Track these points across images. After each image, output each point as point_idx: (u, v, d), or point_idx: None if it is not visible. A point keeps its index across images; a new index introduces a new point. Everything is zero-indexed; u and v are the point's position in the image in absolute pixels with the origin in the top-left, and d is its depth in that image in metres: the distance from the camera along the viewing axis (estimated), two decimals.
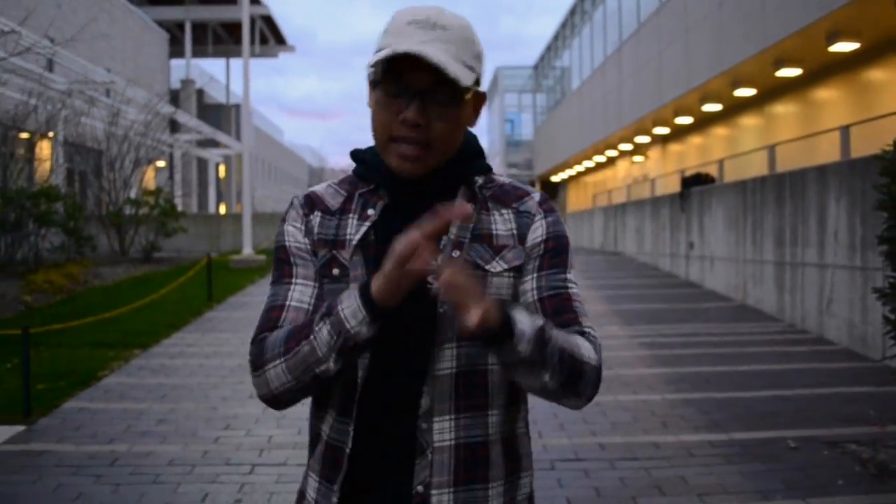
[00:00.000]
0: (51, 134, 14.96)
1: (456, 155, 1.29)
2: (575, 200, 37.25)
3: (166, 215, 16.29)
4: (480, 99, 1.30)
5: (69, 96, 15.91)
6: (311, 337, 1.17)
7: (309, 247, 1.29)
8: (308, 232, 1.30)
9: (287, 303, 1.26)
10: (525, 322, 1.14)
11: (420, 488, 1.22)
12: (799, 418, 5.05)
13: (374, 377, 1.24)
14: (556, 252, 1.29)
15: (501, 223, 1.29)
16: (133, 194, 16.80)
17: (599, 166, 31.71)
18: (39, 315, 8.89)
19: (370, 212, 1.29)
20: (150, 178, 18.47)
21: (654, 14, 19.30)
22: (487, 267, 1.25)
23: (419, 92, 1.20)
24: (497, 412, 1.25)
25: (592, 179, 33.56)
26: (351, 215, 1.30)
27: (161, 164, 24.23)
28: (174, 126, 26.44)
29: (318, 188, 1.36)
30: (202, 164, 33.52)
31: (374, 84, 1.25)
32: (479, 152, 1.36)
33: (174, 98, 29.98)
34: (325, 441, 1.28)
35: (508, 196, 1.31)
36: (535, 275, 1.27)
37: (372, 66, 1.23)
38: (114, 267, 14.21)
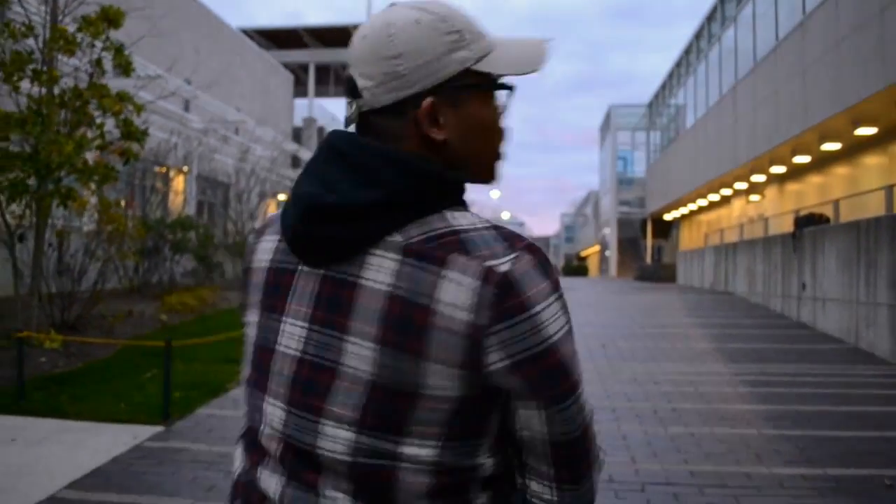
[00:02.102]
0: (185, 168, 16.24)
1: None
2: (688, 239, 36.54)
3: None
4: None
5: (205, 135, 17.25)
6: None
7: None
8: None
9: None
10: None
11: None
12: None
13: None
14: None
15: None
16: (258, 225, 17.95)
17: (713, 205, 31.07)
18: (174, 332, 9.73)
19: None
20: (273, 210, 19.62)
21: (770, 52, 19.05)
22: None
23: (507, 103, 1.13)
24: None
25: (706, 218, 32.90)
26: None
27: (283, 197, 25.63)
28: (296, 162, 27.96)
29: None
30: None
31: (486, 89, 1.08)
32: None
33: (297, 135, 31.71)
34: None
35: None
36: None
37: (497, 81, 1.09)
38: (239, 292, 15.21)
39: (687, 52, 30.57)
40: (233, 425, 5.72)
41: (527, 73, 1.07)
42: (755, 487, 4.42)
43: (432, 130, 1.03)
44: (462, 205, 1.04)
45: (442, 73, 1.02)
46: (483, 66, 1.05)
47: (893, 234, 8.61)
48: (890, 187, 10.23)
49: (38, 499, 4.12)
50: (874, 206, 11.39)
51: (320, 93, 37.49)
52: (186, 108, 18.62)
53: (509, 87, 1.10)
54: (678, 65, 32.61)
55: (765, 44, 19.59)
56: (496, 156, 1.11)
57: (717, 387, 7.18)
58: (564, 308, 1.01)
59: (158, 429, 5.60)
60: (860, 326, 9.54)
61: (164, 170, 15.39)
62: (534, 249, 0.98)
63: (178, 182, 16.90)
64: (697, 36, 28.44)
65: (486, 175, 1.11)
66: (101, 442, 5.23)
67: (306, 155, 26.90)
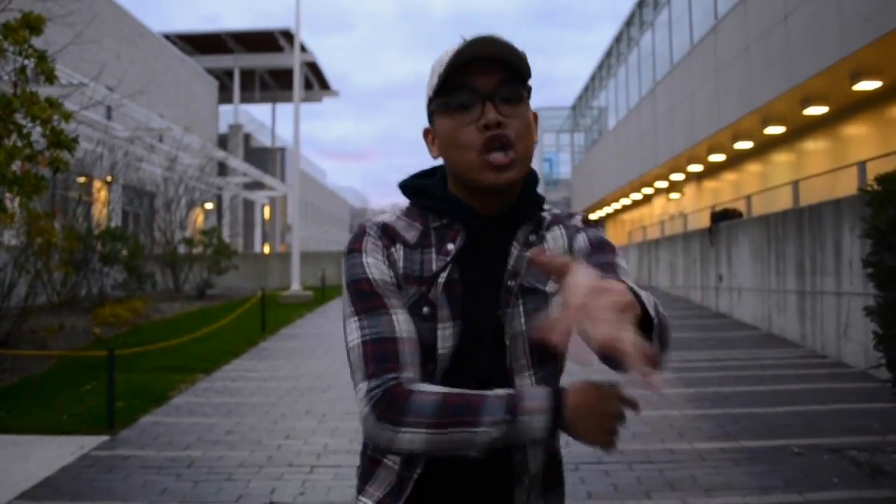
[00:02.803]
0: (109, 178, 15.96)
1: (527, 185, 1.31)
2: (613, 237, 37.41)
3: (219, 254, 17.18)
4: (535, 119, 1.29)
5: (131, 143, 17.00)
6: (474, 429, 1.09)
7: (394, 280, 1.23)
8: (392, 265, 1.24)
9: (398, 335, 1.18)
10: (649, 301, 1.11)
11: None
12: (807, 430, 5.48)
13: None
14: (601, 246, 1.28)
15: (552, 242, 1.30)
16: (187, 234, 17.77)
17: (636, 204, 32.11)
18: (108, 345, 9.65)
19: (450, 247, 1.24)
20: (199, 220, 19.45)
21: (686, 56, 19.90)
22: (545, 289, 1.24)
23: (490, 93, 1.20)
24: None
25: (629, 217, 33.95)
26: (432, 250, 1.25)
27: (209, 205, 25.33)
28: (222, 169, 27.63)
29: (387, 219, 1.29)
30: (248, 206, 34.74)
31: (440, 108, 1.24)
32: (537, 181, 1.37)
33: (222, 142, 31.36)
34: (389, 467, 1.25)
35: (559, 218, 1.34)
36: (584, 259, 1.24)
37: (435, 93, 1.24)
38: (170, 303, 15.07)
39: (608, 55, 31.52)
40: (179, 432, 5.82)
41: (443, 75, 1.21)
42: (678, 461, 4.80)
43: (431, 151, 1.31)
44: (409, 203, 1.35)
45: (428, 106, 1.29)
46: (433, 90, 1.25)
47: (799, 226, 9.24)
48: (796, 182, 10.93)
49: None
50: (783, 201, 12.12)
51: (246, 99, 37.11)
52: (109, 115, 18.30)
53: (444, 98, 1.23)
54: (600, 67, 33.57)
55: (681, 47, 20.46)
56: (466, 164, 1.22)
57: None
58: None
59: (104, 438, 5.64)
60: (772, 313, 10.18)
61: (86, 180, 15.11)
62: None
63: (103, 192, 16.59)
64: (617, 40, 29.37)
65: (470, 181, 1.24)
66: (47, 453, 5.25)
67: (234, 162, 26.66)
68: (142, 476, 4.77)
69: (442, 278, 1.22)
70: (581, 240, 1.29)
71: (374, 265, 1.23)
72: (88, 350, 8.84)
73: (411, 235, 1.26)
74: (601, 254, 1.25)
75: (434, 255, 1.24)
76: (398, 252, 1.25)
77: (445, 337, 1.21)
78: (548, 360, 1.24)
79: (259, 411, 6.46)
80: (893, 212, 4.16)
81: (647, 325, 1.04)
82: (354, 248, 1.25)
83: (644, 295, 1.09)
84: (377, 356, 1.17)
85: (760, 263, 10.62)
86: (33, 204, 8.75)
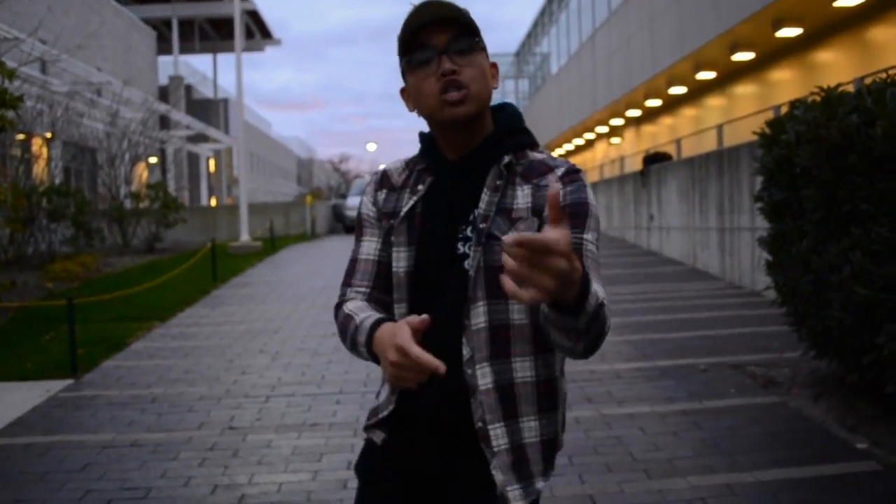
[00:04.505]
0: (48, 135, 15.80)
1: (496, 133, 1.49)
2: None
3: (167, 207, 17.25)
4: (496, 67, 1.51)
5: (71, 99, 16.80)
6: (358, 347, 1.43)
7: (375, 214, 1.55)
8: (375, 203, 1.56)
9: (358, 256, 1.55)
10: (596, 295, 1.18)
11: (479, 424, 1.42)
12: (715, 350, 6.12)
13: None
14: (574, 215, 1.40)
15: (521, 197, 1.43)
16: (133, 189, 17.75)
17: (579, 149, 32.76)
18: (62, 298, 9.86)
19: (420, 187, 1.51)
20: (143, 175, 19.36)
21: (622, 3, 20.30)
22: (503, 237, 1.30)
23: (444, 49, 1.41)
24: (522, 359, 1.42)
25: (574, 161, 34.59)
26: (407, 190, 1.53)
27: (153, 160, 25.11)
28: (164, 122, 27.27)
29: (392, 165, 1.60)
30: (193, 159, 34.36)
31: (406, 67, 1.46)
32: (522, 129, 1.53)
33: (163, 95, 30.81)
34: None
35: (532, 172, 1.46)
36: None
37: (401, 55, 1.46)
38: (120, 257, 15.18)
39: (550, 1, 31.71)
40: (139, 373, 6.19)
41: (403, 36, 1.43)
42: (597, 380, 5.38)
43: (408, 106, 1.52)
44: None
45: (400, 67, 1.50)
46: (398, 52, 1.48)
47: (720, 168, 9.87)
48: (720, 126, 11.54)
49: None
50: (710, 144, 12.76)
51: (185, 49, 36.25)
52: (43, 70, 17.96)
53: (407, 57, 1.45)
54: (542, 13, 33.77)
55: None
56: (430, 108, 1.44)
57: None
58: None
59: (69, 381, 5.99)
60: (696, 249, 10.88)
61: (25, 137, 14.96)
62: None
63: (44, 150, 16.43)
64: None
65: (439, 122, 1.46)
66: (16, 397, 5.59)
67: (177, 115, 26.34)
68: (108, 412, 5.16)
69: (403, 212, 1.49)
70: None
71: (366, 203, 1.57)
72: (43, 305, 9.06)
73: (400, 179, 1.56)
74: (572, 227, 1.35)
75: (407, 194, 1.52)
76: (381, 194, 1.55)
77: (399, 258, 1.48)
78: (499, 294, 1.37)
79: (215, 352, 6.86)
80: (779, 152, 4.70)
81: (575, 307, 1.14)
82: (365, 190, 1.61)
83: (597, 287, 1.22)
84: (346, 272, 1.57)
85: (686, 203, 11.28)
86: None
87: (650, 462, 3.83)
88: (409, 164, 1.58)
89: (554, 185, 1.42)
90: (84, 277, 11.83)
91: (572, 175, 1.46)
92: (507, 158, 1.46)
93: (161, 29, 33.93)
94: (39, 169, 14.89)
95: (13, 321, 8.40)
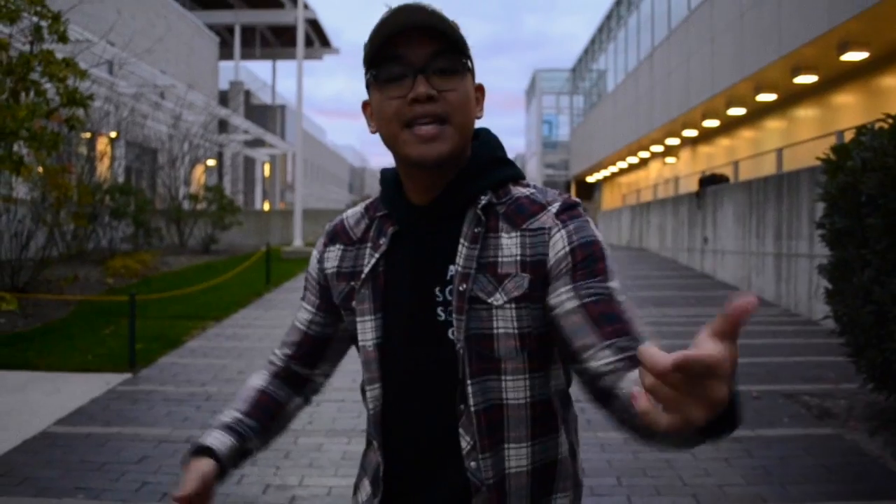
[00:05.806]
0: (113, 134, 16.30)
1: (470, 167, 1.20)
2: (609, 200, 38.04)
3: (224, 210, 17.64)
4: (482, 91, 1.23)
5: (137, 100, 17.33)
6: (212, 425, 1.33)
7: (317, 277, 1.32)
8: (320, 261, 1.32)
9: (294, 321, 1.38)
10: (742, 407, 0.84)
11: None
12: (769, 378, 6.02)
13: (392, 413, 1.23)
14: (588, 261, 1.13)
15: (507, 248, 1.16)
16: (191, 191, 18.22)
17: (633, 167, 32.50)
18: (123, 294, 10.17)
19: (381, 241, 1.23)
20: (201, 177, 19.81)
21: (682, 21, 20.15)
22: (490, 300, 1.14)
23: (422, 67, 1.12)
24: (518, 446, 1.17)
25: (626, 180, 34.35)
26: (368, 245, 1.26)
27: (211, 162, 25.69)
28: (223, 126, 27.89)
29: (349, 214, 1.32)
30: (249, 163, 35.04)
31: (372, 80, 1.17)
32: (501, 159, 1.24)
33: (223, 99, 31.55)
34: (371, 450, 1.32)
35: (521, 214, 1.18)
36: (571, 285, 1.11)
37: (366, 65, 1.17)
38: (177, 257, 15.57)
39: (608, 18, 31.62)
40: (195, 371, 6.35)
41: (372, 47, 1.14)
42: None
43: (370, 126, 1.23)
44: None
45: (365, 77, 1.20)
46: (364, 61, 1.18)
47: (779, 192, 9.72)
48: (780, 150, 11.37)
49: (31, 434, 4.69)
50: (769, 167, 12.57)
51: (246, 55, 37.09)
52: (111, 71, 18.55)
53: (374, 70, 1.16)
54: (600, 30, 33.68)
55: (678, 12, 20.69)
56: (392, 138, 1.16)
57: None
58: None
59: (127, 375, 6.18)
60: (752, 274, 10.71)
61: (90, 136, 15.46)
62: None
63: (109, 149, 16.96)
64: (618, 2, 29.47)
65: (403, 158, 1.17)
66: (76, 388, 5.79)
67: (237, 120, 26.91)
68: (165, 407, 5.31)
69: (364, 273, 1.22)
70: (558, 246, 1.14)
71: (311, 262, 1.34)
72: (105, 299, 9.35)
73: (358, 230, 1.28)
74: (591, 276, 1.12)
75: (368, 250, 1.25)
76: (333, 251, 1.30)
77: (365, 329, 1.23)
78: (490, 368, 1.16)
79: (267, 354, 6.95)
80: (844, 179, 4.63)
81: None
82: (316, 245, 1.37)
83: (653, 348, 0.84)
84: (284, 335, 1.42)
85: (743, 227, 11.12)
86: (49, 160, 9.18)
87: (699, 487, 3.80)
88: (369, 209, 1.29)
89: (747, 297, 0.72)
90: (142, 275, 12.17)
91: (571, 212, 1.17)
92: (483, 200, 1.17)
93: (223, 35, 34.77)
94: (103, 167, 15.36)
95: (75, 314, 8.68)
